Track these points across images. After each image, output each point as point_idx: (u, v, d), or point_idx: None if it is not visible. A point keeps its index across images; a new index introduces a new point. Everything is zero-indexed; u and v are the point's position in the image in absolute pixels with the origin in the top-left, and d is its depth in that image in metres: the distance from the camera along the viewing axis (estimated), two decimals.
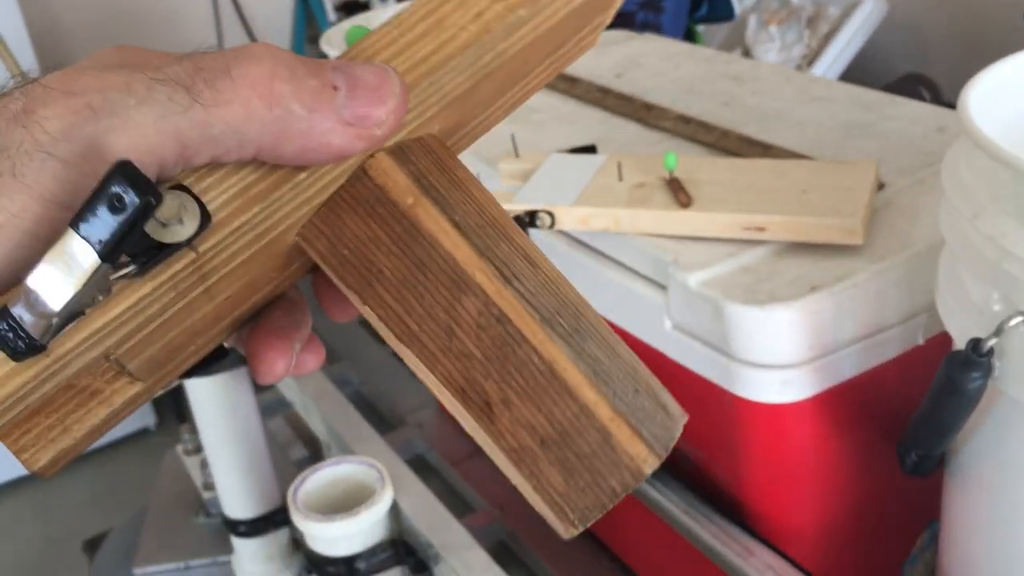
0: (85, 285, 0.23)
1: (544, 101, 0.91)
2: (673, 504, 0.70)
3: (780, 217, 0.63)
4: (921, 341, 0.63)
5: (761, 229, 0.64)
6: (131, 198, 0.22)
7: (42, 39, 1.98)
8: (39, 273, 0.23)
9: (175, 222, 0.25)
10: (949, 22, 1.91)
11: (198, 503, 1.16)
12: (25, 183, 0.23)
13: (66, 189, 0.23)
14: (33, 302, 0.23)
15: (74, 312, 0.24)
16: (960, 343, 0.51)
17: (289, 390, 0.97)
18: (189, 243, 0.25)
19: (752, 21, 1.99)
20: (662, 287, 0.66)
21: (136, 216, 0.22)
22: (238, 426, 0.96)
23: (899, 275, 0.61)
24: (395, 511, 0.73)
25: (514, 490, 0.28)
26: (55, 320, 0.23)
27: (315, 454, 1.17)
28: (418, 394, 1.12)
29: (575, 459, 0.26)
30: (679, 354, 0.66)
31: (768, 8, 2.00)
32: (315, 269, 0.30)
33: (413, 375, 0.29)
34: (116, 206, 0.22)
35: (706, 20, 1.99)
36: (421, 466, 0.98)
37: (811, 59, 1.91)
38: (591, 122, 0.86)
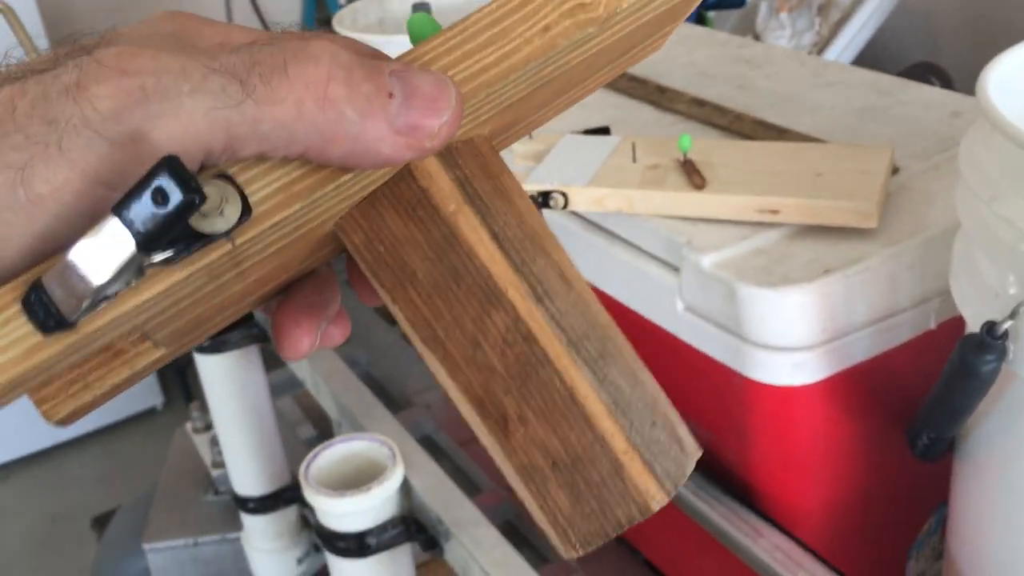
0: (120, 271, 0.23)
1: None
2: (682, 485, 0.70)
3: (794, 200, 0.63)
4: (933, 326, 0.63)
5: (775, 212, 0.64)
6: (176, 195, 0.22)
7: (51, 11, 1.98)
8: (75, 253, 0.23)
9: (216, 213, 0.25)
10: (961, 10, 1.90)
11: (207, 480, 1.17)
12: (70, 157, 0.23)
13: (110, 169, 0.23)
14: (67, 280, 0.23)
15: (106, 295, 0.24)
16: (974, 326, 0.51)
17: (300, 369, 0.98)
18: (227, 235, 0.25)
19: (763, 8, 1.98)
20: (675, 269, 0.66)
21: (178, 213, 0.23)
22: (248, 404, 0.96)
23: (912, 259, 0.61)
24: (406, 488, 0.73)
25: None
26: (86, 301, 0.23)
27: (323, 433, 1.18)
28: (426, 376, 1.12)
29: (584, 486, 0.27)
30: (691, 336, 0.66)
31: None
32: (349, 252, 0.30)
33: (421, 357, 0.29)
34: (160, 200, 0.22)
35: (717, 6, 1.99)
36: (429, 446, 0.98)
37: (822, 47, 1.90)
38: (605, 104, 0.86)
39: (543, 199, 0.71)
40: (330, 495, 0.69)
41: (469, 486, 0.98)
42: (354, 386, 0.89)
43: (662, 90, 0.86)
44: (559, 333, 0.27)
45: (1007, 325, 0.48)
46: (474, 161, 0.28)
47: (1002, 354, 0.49)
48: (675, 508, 0.70)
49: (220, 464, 1.12)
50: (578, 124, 0.81)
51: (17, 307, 0.24)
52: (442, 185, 0.28)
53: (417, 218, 0.28)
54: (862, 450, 0.66)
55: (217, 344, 0.92)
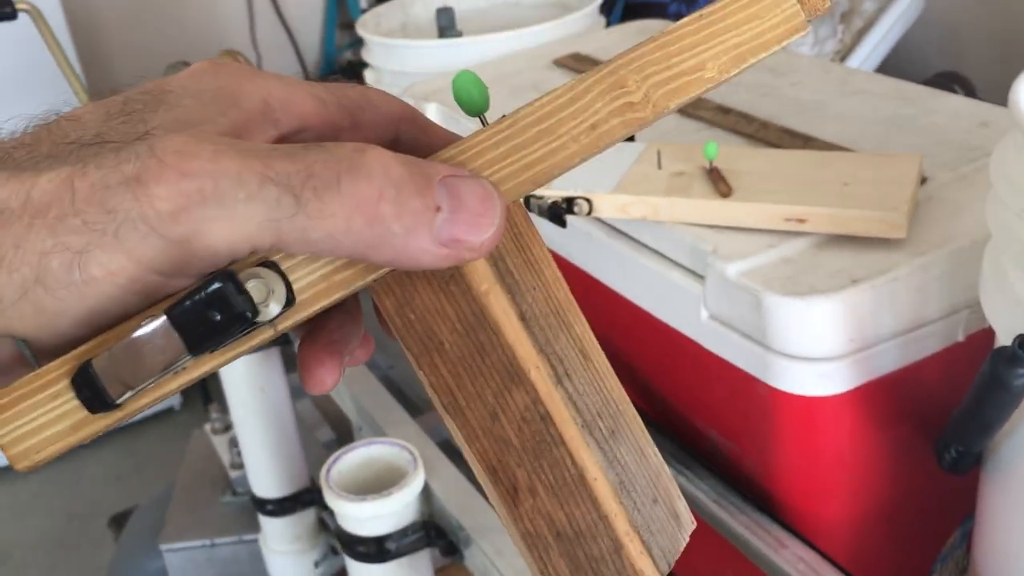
0: (166, 367, 0.25)
1: None
2: (704, 494, 0.70)
3: (822, 209, 0.63)
4: (961, 338, 0.63)
5: (802, 220, 0.63)
6: (228, 310, 0.24)
7: (79, 23, 1.99)
8: (126, 346, 0.25)
9: (262, 305, 0.26)
10: (986, 20, 1.88)
11: (225, 482, 1.17)
12: (126, 247, 0.24)
13: (164, 261, 0.24)
14: (116, 369, 0.25)
15: (148, 386, 0.25)
16: (1004, 339, 0.50)
17: None
18: (271, 323, 0.26)
19: None
20: (699, 277, 0.66)
21: (229, 323, 0.24)
22: (268, 406, 0.97)
23: (941, 270, 0.61)
24: (426, 493, 0.73)
25: None
26: (132, 391, 0.25)
27: (342, 436, 1.18)
28: None
29: (584, 559, 0.29)
30: (715, 344, 0.66)
31: None
32: None
33: (441, 420, 0.30)
34: (213, 309, 0.24)
35: None
36: (450, 451, 0.98)
37: (844, 54, 1.89)
38: None
39: (567, 205, 0.70)
40: (351, 499, 0.69)
41: None
42: (374, 389, 0.89)
43: None
44: (575, 415, 0.29)
45: None
46: (508, 233, 0.29)
47: None
48: (696, 517, 0.70)
49: (239, 465, 1.12)
50: None
51: (66, 383, 0.25)
52: (476, 264, 0.29)
53: (449, 293, 0.29)
54: (887, 462, 0.65)
55: None
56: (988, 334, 0.56)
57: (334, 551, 1.04)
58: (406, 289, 0.29)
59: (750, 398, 0.64)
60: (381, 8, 1.29)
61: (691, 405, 0.74)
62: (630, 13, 1.83)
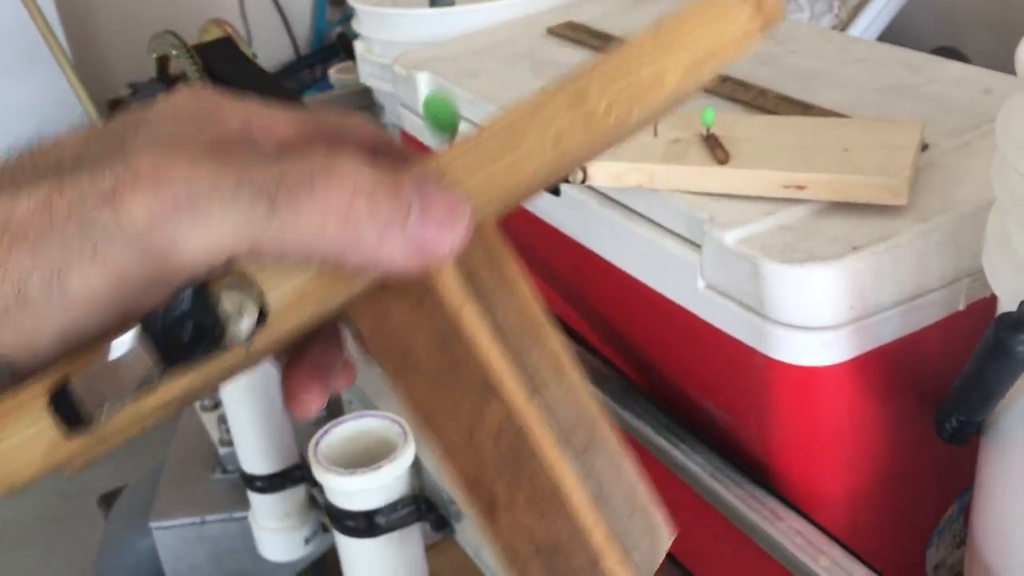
0: (140, 384, 0.25)
1: (579, 57, 0.89)
2: (699, 467, 0.69)
3: (821, 175, 0.61)
4: (962, 306, 0.62)
5: (801, 187, 0.62)
6: (199, 328, 0.25)
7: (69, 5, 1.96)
8: (102, 361, 0.25)
9: (234, 323, 0.26)
10: None
11: (215, 459, 1.17)
12: (104, 263, 0.25)
13: (141, 275, 0.25)
14: (92, 385, 0.25)
15: (126, 399, 0.26)
16: (1007, 304, 0.49)
17: None
18: (244, 341, 0.26)
19: None
20: (696, 245, 0.65)
21: (199, 338, 0.25)
22: (256, 381, 0.95)
23: (942, 237, 0.60)
24: (417, 467, 0.72)
25: None
26: (107, 404, 0.26)
27: (332, 411, 1.16)
28: None
29: (563, 571, 0.29)
30: (711, 314, 0.65)
31: None
32: None
33: (418, 435, 0.30)
34: (183, 324, 0.25)
35: None
36: None
37: (840, 29, 1.87)
38: None
39: None
40: (340, 473, 0.68)
41: None
42: (365, 364, 0.88)
43: None
44: (551, 427, 0.29)
45: None
46: (481, 251, 0.30)
47: None
48: (689, 490, 0.69)
49: (228, 442, 1.11)
50: None
51: (45, 400, 0.26)
52: (448, 281, 0.29)
53: (423, 310, 0.29)
54: (886, 432, 0.64)
55: None
56: (988, 304, 0.54)
57: (324, 528, 1.03)
58: (380, 307, 0.29)
59: (747, 369, 0.63)
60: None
61: (687, 377, 0.73)
62: None
